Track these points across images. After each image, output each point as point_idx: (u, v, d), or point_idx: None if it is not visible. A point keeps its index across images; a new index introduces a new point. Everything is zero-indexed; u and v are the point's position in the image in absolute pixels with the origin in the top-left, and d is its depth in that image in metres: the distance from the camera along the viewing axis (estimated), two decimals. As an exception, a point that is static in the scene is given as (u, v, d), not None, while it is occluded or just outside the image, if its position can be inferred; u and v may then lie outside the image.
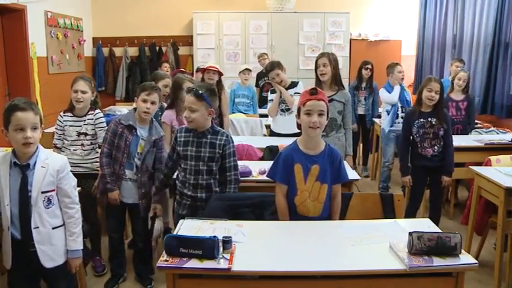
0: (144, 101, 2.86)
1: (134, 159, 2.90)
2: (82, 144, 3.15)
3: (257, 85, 6.05)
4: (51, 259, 2.10)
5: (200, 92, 2.49)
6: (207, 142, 2.55)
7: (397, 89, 4.72)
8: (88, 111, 3.17)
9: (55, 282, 2.18)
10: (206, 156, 2.54)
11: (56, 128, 3.23)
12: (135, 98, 2.94)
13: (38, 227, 2.04)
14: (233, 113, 5.21)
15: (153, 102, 2.88)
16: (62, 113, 3.19)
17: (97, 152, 3.18)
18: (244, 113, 5.20)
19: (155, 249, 2.97)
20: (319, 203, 2.29)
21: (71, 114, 3.16)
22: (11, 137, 2.02)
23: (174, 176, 2.82)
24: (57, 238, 2.11)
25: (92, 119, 3.17)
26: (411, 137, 3.48)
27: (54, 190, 2.10)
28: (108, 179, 2.88)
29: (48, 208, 2.08)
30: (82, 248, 2.21)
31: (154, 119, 3.02)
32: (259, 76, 6.08)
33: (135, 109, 2.95)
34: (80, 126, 3.15)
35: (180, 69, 4.94)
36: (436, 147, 3.41)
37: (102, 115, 3.25)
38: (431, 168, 3.45)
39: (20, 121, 1.98)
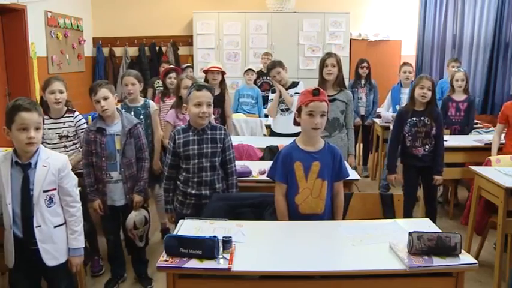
0: (97, 101, 2.82)
1: (116, 158, 2.86)
2: (65, 146, 3.14)
3: (255, 83, 6.05)
4: (54, 257, 2.11)
5: (212, 87, 2.59)
6: (208, 138, 2.57)
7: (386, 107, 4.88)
8: (64, 113, 3.14)
9: (56, 280, 2.19)
10: (209, 152, 2.55)
11: None
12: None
13: (40, 226, 2.06)
14: (237, 112, 5.21)
15: (104, 98, 2.82)
16: None
17: (80, 151, 3.17)
18: (248, 113, 5.19)
19: (136, 239, 2.94)
20: (321, 200, 2.28)
21: (47, 117, 3.09)
22: (13, 136, 2.03)
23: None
24: (59, 237, 2.13)
25: (73, 121, 3.15)
26: (402, 136, 3.48)
27: (55, 189, 2.12)
28: (88, 189, 2.86)
29: (50, 207, 2.10)
30: (83, 246, 2.23)
31: (121, 111, 2.99)
32: (258, 75, 6.08)
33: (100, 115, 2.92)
34: (60, 128, 3.11)
35: (170, 66, 4.92)
36: (427, 146, 3.42)
37: (81, 116, 3.24)
38: (422, 167, 3.47)
39: (24, 121, 2.00)
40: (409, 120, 3.43)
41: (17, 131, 2.01)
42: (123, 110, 3.54)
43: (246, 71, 5.54)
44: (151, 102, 3.79)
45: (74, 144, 3.19)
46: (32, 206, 2.04)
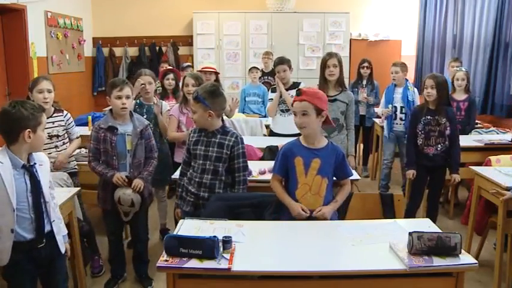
0: (118, 97, 2.81)
1: (126, 158, 2.86)
2: (56, 146, 3.14)
3: None
4: (63, 246, 2.20)
5: (196, 94, 2.54)
6: (216, 142, 2.56)
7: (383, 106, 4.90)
8: (53, 113, 3.13)
9: (55, 275, 2.21)
10: (213, 156, 2.55)
11: None
12: (107, 97, 2.87)
13: (54, 220, 2.14)
14: (244, 112, 5.20)
15: (127, 97, 2.83)
16: None
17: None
18: (256, 113, 5.18)
19: (120, 213, 2.89)
20: (320, 197, 2.29)
21: None
22: (38, 137, 2.06)
23: (177, 175, 2.83)
24: (59, 227, 2.22)
25: (63, 120, 3.16)
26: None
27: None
28: (103, 171, 2.82)
29: (52, 202, 2.17)
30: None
31: (133, 112, 2.98)
32: (261, 76, 6.06)
33: (111, 110, 2.89)
34: (50, 128, 3.09)
35: (168, 68, 4.94)
36: (439, 145, 3.42)
37: (70, 115, 3.25)
38: (432, 167, 3.47)
39: (45, 122, 2.12)
40: (423, 118, 3.45)
41: (42, 131, 2.09)
42: (137, 106, 3.58)
43: (250, 69, 5.53)
44: (163, 102, 3.81)
45: (64, 143, 3.20)
46: (46, 204, 2.08)
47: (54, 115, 3.14)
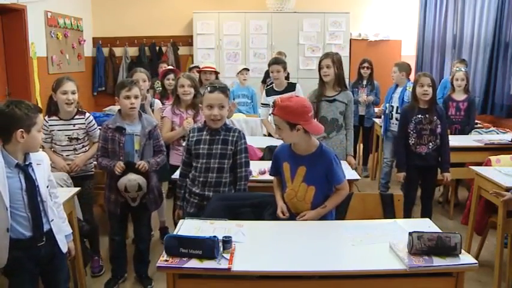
0: (127, 97, 2.83)
1: (134, 158, 2.86)
2: (74, 149, 3.12)
3: (264, 81, 6.00)
4: (64, 245, 2.20)
5: (226, 88, 2.54)
6: (220, 139, 2.55)
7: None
8: (75, 114, 3.10)
9: (56, 274, 2.21)
10: (218, 153, 2.54)
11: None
12: (116, 97, 2.89)
13: (53, 220, 2.13)
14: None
15: (135, 97, 2.85)
16: (46, 118, 3.07)
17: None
18: (244, 113, 5.18)
19: (128, 200, 2.87)
20: (306, 203, 2.29)
21: (57, 118, 3.06)
22: (33, 138, 2.04)
23: (176, 175, 2.82)
24: (60, 226, 2.22)
25: (84, 123, 3.12)
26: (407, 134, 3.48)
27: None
28: (108, 163, 2.81)
29: (51, 201, 2.17)
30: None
31: (142, 112, 2.99)
32: (268, 74, 6.03)
33: (120, 110, 2.90)
34: (70, 130, 3.08)
35: (169, 68, 4.94)
36: (431, 143, 3.42)
37: (92, 117, 3.22)
38: (424, 167, 3.46)
39: (41, 123, 2.10)
40: (414, 117, 3.43)
41: (38, 132, 2.06)
42: None
43: (240, 70, 5.49)
44: (156, 100, 3.81)
45: (83, 146, 3.17)
46: (43, 204, 2.07)
47: (76, 117, 3.10)
